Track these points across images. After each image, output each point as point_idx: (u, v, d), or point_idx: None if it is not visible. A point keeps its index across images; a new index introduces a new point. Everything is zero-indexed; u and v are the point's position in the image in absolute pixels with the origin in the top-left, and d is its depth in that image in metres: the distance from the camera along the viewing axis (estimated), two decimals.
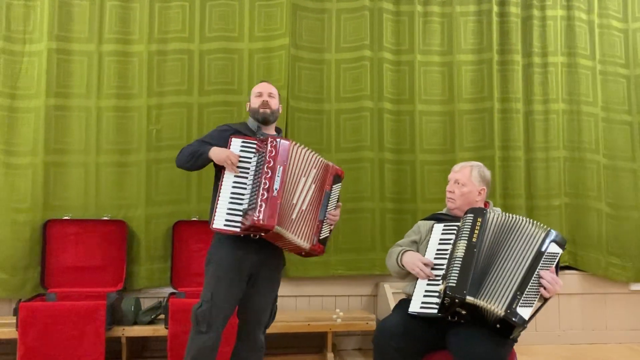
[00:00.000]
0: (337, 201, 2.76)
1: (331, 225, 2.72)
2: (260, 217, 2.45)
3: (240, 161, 2.58)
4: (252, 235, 2.56)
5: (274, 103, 2.84)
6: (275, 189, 2.50)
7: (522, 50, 4.52)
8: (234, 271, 2.62)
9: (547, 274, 2.24)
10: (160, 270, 3.97)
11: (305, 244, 2.60)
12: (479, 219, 2.35)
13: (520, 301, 2.18)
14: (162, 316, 3.68)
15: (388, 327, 2.34)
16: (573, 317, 4.43)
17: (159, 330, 3.60)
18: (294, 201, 2.57)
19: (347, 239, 4.21)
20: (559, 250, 2.30)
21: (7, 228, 3.83)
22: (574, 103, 4.54)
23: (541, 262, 2.25)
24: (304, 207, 2.60)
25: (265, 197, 2.48)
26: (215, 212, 2.54)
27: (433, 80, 4.43)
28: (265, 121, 2.80)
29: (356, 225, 4.22)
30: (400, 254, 2.54)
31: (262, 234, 2.54)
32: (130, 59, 4.08)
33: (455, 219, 2.51)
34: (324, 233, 2.68)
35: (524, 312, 2.18)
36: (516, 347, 2.44)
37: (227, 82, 4.17)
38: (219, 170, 2.67)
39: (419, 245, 2.61)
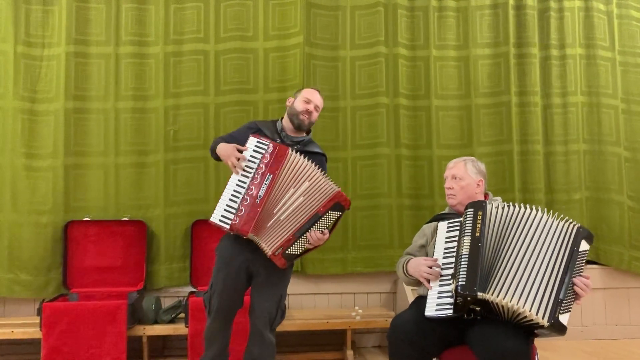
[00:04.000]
0: (329, 228, 2.64)
1: (309, 245, 2.62)
2: (237, 221, 2.51)
3: (250, 160, 2.61)
4: (242, 235, 2.58)
5: (315, 117, 2.86)
6: (259, 197, 2.52)
7: (539, 43, 4.47)
8: (230, 264, 2.69)
9: (579, 280, 2.20)
10: (180, 269, 4.01)
11: (267, 249, 2.56)
12: (480, 212, 2.32)
13: (562, 308, 2.15)
14: (182, 315, 3.71)
15: (401, 322, 2.33)
16: (596, 312, 4.37)
17: (180, 329, 3.63)
18: (274, 210, 2.57)
19: (365, 236, 4.21)
20: (588, 247, 2.26)
21: (29, 230, 3.89)
22: (594, 95, 4.49)
23: (576, 262, 2.21)
24: (282, 218, 2.58)
25: (247, 202, 2.52)
26: (217, 207, 2.59)
27: (449, 75, 4.40)
28: (299, 127, 2.82)
29: (373, 222, 4.21)
30: (405, 265, 2.54)
31: (242, 235, 2.57)
32: (146, 60, 4.12)
33: (458, 215, 2.49)
34: (294, 250, 2.60)
35: (565, 319, 2.15)
36: (538, 342, 2.42)
37: (242, 81, 4.19)
38: None
39: (427, 248, 2.60)
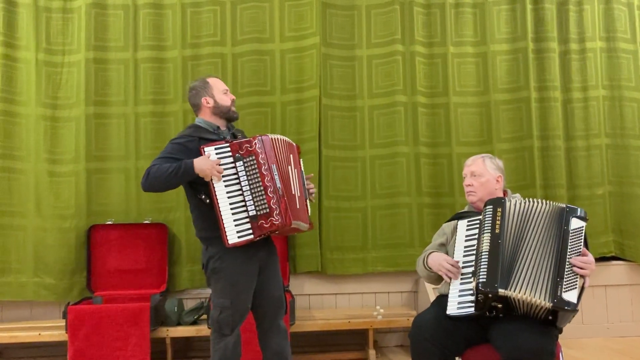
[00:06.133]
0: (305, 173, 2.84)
1: (311, 199, 2.82)
2: (280, 220, 2.48)
3: (224, 168, 2.52)
4: (263, 236, 2.55)
5: None
6: (279, 188, 2.52)
7: (559, 37, 4.41)
8: (248, 273, 2.62)
9: (576, 260, 2.21)
10: (201, 271, 3.98)
11: (306, 226, 2.68)
12: (499, 209, 2.34)
13: (563, 286, 2.15)
14: (204, 316, 3.74)
15: (423, 321, 2.33)
16: (622, 309, 4.30)
17: (202, 330, 3.66)
18: (293, 192, 2.62)
19: (385, 235, 4.19)
20: (582, 224, 2.28)
21: (53, 234, 3.95)
22: (615, 88, 4.42)
23: (569, 240, 2.23)
24: (298, 194, 2.66)
25: (275, 199, 2.49)
26: (224, 228, 2.48)
27: (467, 72, 4.37)
28: (232, 120, 2.79)
29: (393, 221, 4.20)
30: (425, 258, 2.54)
31: (276, 232, 2.57)
32: (164, 64, 4.16)
33: (478, 213, 2.48)
34: (309, 209, 2.78)
35: (571, 296, 2.15)
36: (563, 341, 2.39)
37: (260, 83, 4.20)
38: (195, 183, 2.58)
39: (447, 247, 2.59)
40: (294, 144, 2.77)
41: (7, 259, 3.92)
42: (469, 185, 2.59)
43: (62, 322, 3.56)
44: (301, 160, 2.81)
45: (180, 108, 4.11)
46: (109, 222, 3.97)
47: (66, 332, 3.49)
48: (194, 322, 3.74)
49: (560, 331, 2.30)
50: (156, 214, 4.05)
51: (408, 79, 4.30)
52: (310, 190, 2.81)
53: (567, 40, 4.41)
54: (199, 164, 2.50)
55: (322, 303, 4.20)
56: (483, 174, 2.58)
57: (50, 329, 3.65)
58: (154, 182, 2.53)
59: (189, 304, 3.93)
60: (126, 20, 4.15)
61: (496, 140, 4.30)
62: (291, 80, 4.21)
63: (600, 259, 4.27)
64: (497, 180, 2.59)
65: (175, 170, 2.50)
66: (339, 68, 4.28)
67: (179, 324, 3.73)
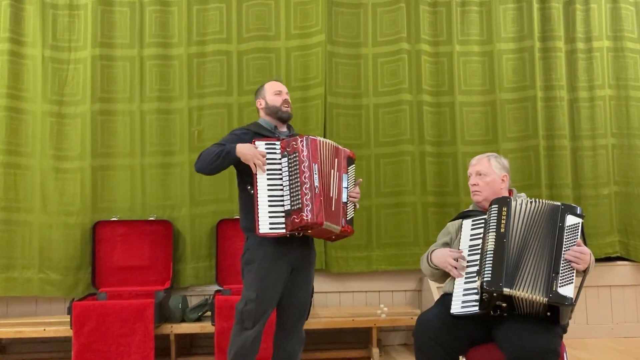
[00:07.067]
0: (354, 180, 2.83)
1: (355, 204, 2.79)
2: (310, 216, 2.51)
3: (268, 163, 2.60)
4: (296, 233, 2.60)
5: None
6: (316, 187, 2.55)
7: (565, 36, 4.41)
8: (277, 269, 2.66)
9: (569, 255, 2.21)
10: (206, 268, 4.04)
11: (338, 229, 2.66)
12: (504, 208, 2.33)
13: (559, 281, 2.16)
14: (208, 313, 3.74)
15: (427, 320, 2.33)
16: (627, 310, 4.28)
17: (206, 327, 3.67)
18: (331, 195, 2.63)
19: (390, 233, 4.19)
20: (578, 221, 2.29)
21: (59, 230, 3.96)
22: (622, 88, 4.41)
23: (564, 237, 2.24)
24: (336, 197, 2.67)
25: (309, 196, 2.53)
26: (258, 218, 2.55)
27: (473, 71, 4.36)
28: (286, 120, 2.84)
29: (398, 219, 4.20)
30: (429, 254, 2.54)
31: (309, 231, 2.60)
32: (170, 62, 4.16)
33: (483, 212, 2.48)
34: (350, 213, 2.74)
35: (567, 290, 2.15)
36: (568, 341, 2.39)
37: (265, 81, 4.17)
38: (244, 174, 2.69)
39: (451, 246, 2.59)
40: (343, 150, 2.78)
41: (12, 255, 3.93)
42: (474, 184, 2.59)
43: (67, 318, 3.58)
44: (351, 167, 2.80)
45: (185, 105, 4.12)
46: (114, 219, 3.98)
47: (71, 328, 3.50)
48: (198, 319, 3.75)
49: (565, 330, 2.29)
50: (161, 210, 4.06)
51: (414, 78, 4.29)
52: (353, 197, 2.77)
53: (574, 39, 4.40)
54: (241, 147, 2.61)
55: (326, 301, 4.21)
56: (488, 173, 2.57)
57: (55, 325, 3.66)
58: (202, 163, 2.68)
59: (193, 301, 3.94)
60: (132, 18, 4.15)
61: (502, 139, 4.30)
62: (296, 78, 4.21)
63: (605, 260, 4.26)
64: (503, 180, 2.58)
65: (219, 152, 2.63)
66: (345, 66, 4.28)
67: (183, 320, 3.73)
